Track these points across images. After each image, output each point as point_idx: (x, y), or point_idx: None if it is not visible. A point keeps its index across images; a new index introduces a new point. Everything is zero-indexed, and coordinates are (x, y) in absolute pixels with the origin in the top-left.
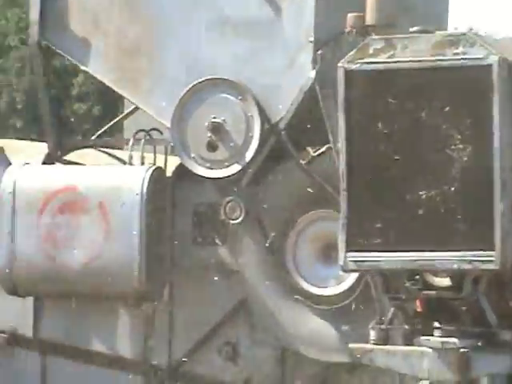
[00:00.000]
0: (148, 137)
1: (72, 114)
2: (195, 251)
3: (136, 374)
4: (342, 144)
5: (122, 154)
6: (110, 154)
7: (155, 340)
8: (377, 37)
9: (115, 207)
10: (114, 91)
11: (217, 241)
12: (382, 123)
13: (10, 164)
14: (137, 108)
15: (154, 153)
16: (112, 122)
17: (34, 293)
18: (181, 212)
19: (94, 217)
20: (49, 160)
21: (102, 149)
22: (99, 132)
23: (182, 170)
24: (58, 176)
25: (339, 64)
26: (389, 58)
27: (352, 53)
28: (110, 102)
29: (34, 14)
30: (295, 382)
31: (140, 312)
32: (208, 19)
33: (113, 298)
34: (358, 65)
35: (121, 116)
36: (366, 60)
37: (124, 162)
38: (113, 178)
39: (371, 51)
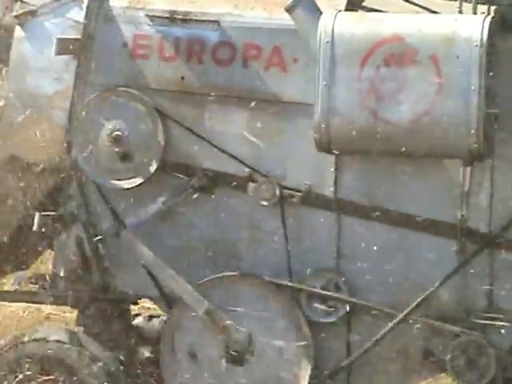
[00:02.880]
0: None
1: None
2: None
3: (449, 239)
4: None
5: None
6: (413, 3)
7: (472, 202)
8: None
9: (449, 59)
10: None
11: None
12: None
13: (321, 12)
14: None
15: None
16: None
17: (349, 151)
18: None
19: (424, 70)
20: (351, 6)
21: None
22: None
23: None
24: (382, 24)
25: None
26: None
27: None
28: None
29: None
30: None
31: (455, 172)
32: None
33: (440, 157)
34: None
35: None
36: None
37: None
38: (446, 27)
39: None
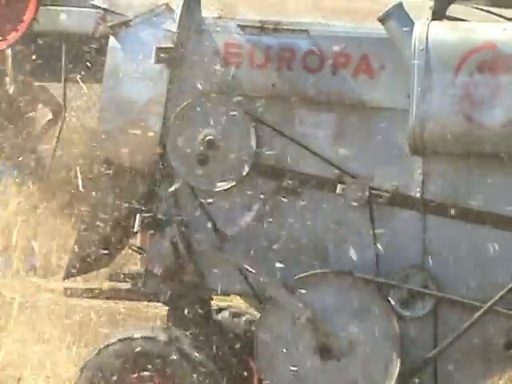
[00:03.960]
0: None
1: None
2: None
3: None
4: None
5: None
6: (495, 14)
7: None
8: None
9: None
10: None
11: None
12: None
13: (413, 21)
14: None
15: None
16: None
17: (443, 153)
18: None
19: None
20: (436, 16)
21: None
22: None
23: None
24: (475, 32)
25: None
26: None
27: None
28: None
29: None
30: None
31: None
32: None
33: None
34: None
35: None
36: None
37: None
38: None
39: None
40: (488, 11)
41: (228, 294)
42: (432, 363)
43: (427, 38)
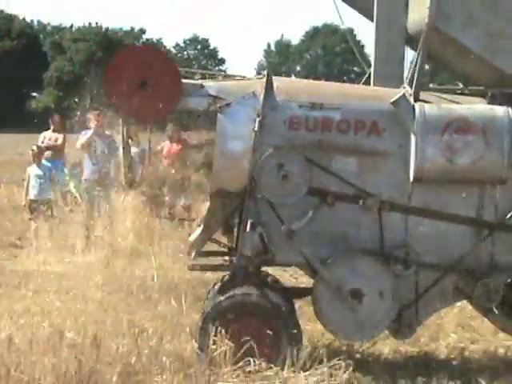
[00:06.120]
0: None
1: None
2: None
3: (472, 226)
4: None
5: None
6: (451, 100)
7: (486, 202)
8: None
9: (492, 129)
10: None
11: None
12: None
13: (412, 103)
14: None
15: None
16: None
17: (433, 181)
18: None
19: (477, 136)
20: (415, 100)
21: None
22: None
23: None
24: (452, 110)
25: None
26: None
27: None
28: None
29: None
30: None
31: (476, 192)
32: None
33: (484, 182)
34: None
35: None
36: None
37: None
38: (488, 112)
39: None
40: (440, 97)
41: (290, 266)
42: (415, 303)
43: (424, 113)
